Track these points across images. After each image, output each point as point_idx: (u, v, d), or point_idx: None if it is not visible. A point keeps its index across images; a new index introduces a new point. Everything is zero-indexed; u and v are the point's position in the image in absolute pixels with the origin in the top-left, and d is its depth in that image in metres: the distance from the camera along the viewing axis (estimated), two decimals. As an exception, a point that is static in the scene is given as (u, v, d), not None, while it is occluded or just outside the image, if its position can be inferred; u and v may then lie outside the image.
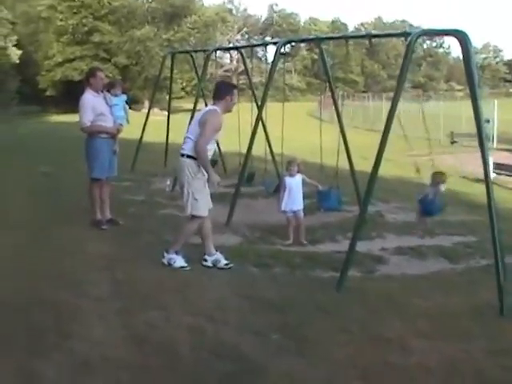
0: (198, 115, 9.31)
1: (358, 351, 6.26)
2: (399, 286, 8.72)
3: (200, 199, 8.95)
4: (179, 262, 9.13)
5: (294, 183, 11.10)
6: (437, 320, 7.33)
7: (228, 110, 9.25)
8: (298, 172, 11.20)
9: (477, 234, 12.05)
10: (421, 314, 7.54)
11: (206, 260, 9.35)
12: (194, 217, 9.13)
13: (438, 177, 10.10)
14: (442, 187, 10.14)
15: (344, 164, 13.37)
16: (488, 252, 9.08)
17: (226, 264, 9.30)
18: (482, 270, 9.78)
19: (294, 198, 11.08)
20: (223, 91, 9.25)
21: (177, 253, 9.20)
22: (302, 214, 11.19)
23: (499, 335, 6.98)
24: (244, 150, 12.74)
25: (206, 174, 8.97)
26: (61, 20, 69.72)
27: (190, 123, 10.00)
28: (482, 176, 8.58)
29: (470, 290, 8.73)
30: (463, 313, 7.66)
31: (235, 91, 9.38)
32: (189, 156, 8.90)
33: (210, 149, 9.11)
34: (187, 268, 9.06)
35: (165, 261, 9.15)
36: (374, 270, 9.66)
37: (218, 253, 9.42)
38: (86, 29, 70.18)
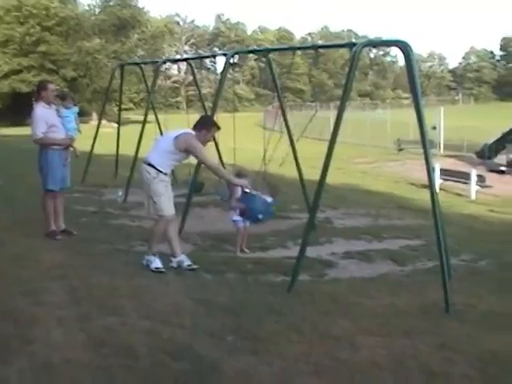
0: (173, 132, 9.59)
1: (310, 349, 6.46)
2: (348, 288, 8.99)
3: (158, 202, 9.32)
4: (155, 263, 9.48)
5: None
6: (384, 318, 7.59)
7: (203, 142, 9.54)
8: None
9: (423, 238, 12.42)
10: (369, 313, 7.81)
11: (171, 261, 9.70)
12: (159, 217, 9.48)
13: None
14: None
15: (293, 173, 13.59)
16: (434, 254, 9.41)
17: (189, 265, 9.63)
18: (428, 271, 10.13)
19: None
20: (204, 125, 9.60)
21: (154, 255, 9.57)
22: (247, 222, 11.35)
23: (444, 331, 7.25)
24: (194, 161, 12.90)
25: (165, 182, 9.44)
26: (7, 30, 69.16)
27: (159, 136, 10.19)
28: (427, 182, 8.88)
29: (417, 290, 9.04)
30: (410, 311, 7.95)
31: (214, 129, 9.72)
32: (149, 164, 9.28)
33: (175, 162, 9.59)
34: (162, 270, 9.38)
35: (144, 262, 9.57)
36: (323, 274, 9.92)
37: (183, 255, 9.77)
38: (33, 39, 69.61)
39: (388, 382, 5.83)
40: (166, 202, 9.42)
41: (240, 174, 11.19)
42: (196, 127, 9.50)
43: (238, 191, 10.89)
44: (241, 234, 11.20)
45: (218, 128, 9.91)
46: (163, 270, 9.40)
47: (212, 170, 9.49)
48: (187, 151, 9.27)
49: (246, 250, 11.17)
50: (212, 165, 9.52)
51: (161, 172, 9.27)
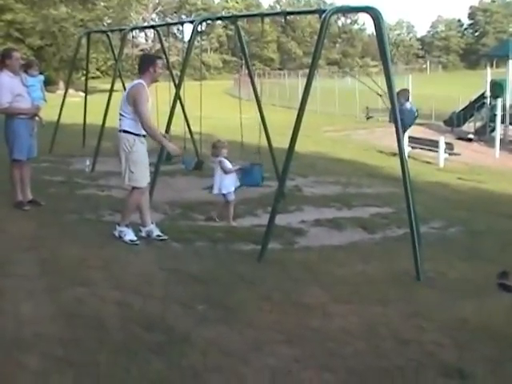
0: (125, 92, 9.41)
1: (281, 317, 6.48)
2: (318, 256, 8.97)
3: (136, 171, 9.16)
4: (129, 235, 9.34)
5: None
6: (355, 286, 7.60)
7: (154, 80, 9.38)
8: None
9: (393, 206, 12.42)
10: (340, 281, 7.82)
11: (140, 231, 9.60)
12: (133, 188, 9.35)
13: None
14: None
15: (262, 141, 13.53)
16: (403, 222, 9.42)
17: (159, 235, 9.56)
18: (398, 239, 10.11)
19: (231, 178, 11.12)
20: (146, 63, 9.36)
21: (127, 226, 9.41)
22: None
23: (415, 299, 7.29)
24: (163, 130, 12.79)
25: (144, 146, 9.28)
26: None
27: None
28: (397, 150, 8.85)
29: (388, 258, 9.04)
30: (381, 279, 7.97)
31: (158, 61, 9.46)
32: (125, 131, 9.11)
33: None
34: (137, 242, 9.26)
35: (116, 233, 9.41)
36: (293, 242, 9.87)
37: (152, 225, 9.68)
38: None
39: (360, 349, 5.83)
40: (143, 172, 9.30)
41: (216, 145, 11.12)
42: (142, 71, 9.29)
43: (226, 164, 10.87)
44: (232, 205, 11.09)
45: (159, 58, 9.83)
46: (138, 242, 9.28)
47: (145, 126, 9.06)
48: (135, 102, 8.98)
49: (217, 219, 11.09)
50: (150, 129, 9.11)
51: (138, 135, 9.10)
